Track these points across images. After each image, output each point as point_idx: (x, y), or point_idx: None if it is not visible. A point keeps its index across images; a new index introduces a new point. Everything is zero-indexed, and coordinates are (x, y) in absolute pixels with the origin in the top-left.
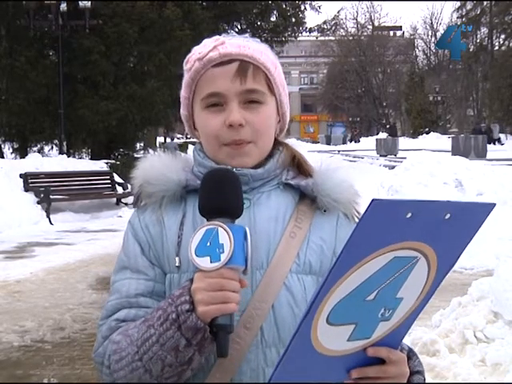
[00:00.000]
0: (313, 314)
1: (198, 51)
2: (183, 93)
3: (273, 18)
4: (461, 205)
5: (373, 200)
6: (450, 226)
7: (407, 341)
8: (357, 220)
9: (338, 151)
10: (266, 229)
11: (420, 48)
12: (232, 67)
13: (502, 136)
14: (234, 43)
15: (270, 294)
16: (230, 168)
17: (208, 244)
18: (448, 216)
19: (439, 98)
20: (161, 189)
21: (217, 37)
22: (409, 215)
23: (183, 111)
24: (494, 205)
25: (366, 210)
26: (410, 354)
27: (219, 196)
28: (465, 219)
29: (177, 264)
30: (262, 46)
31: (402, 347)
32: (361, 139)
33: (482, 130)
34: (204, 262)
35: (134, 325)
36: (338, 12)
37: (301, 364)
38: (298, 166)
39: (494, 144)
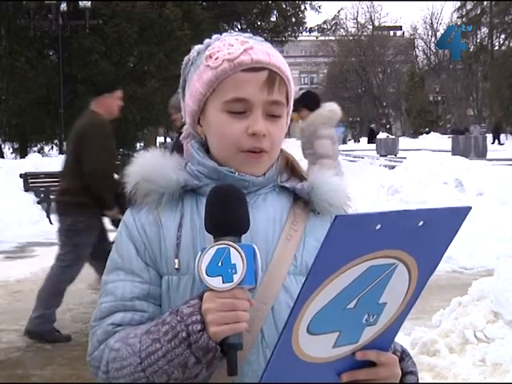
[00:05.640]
0: (291, 325)
1: (226, 50)
2: (200, 88)
3: (273, 18)
4: (433, 211)
5: (336, 216)
6: (424, 232)
7: (407, 341)
8: None
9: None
10: (265, 231)
11: (420, 48)
12: (262, 75)
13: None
14: (262, 50)
15: (270, 296)
16: (237, 176)
17: (219, 264)
18: (421, 223)
19: (439, 98)
20: (159, 187)
21: (241, 37)
22: (378, 227)
23: (192, 105)
24: (470, 208)
25: (331, 226)
26: (403, 355)
27: (228, 215)
28: (440, 224)
29: (176, 266)
30: (281, 56)
31: (395, 348)
32: (361, 139)
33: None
34: (216, 282)
35: (135, 333)
36: (338, 12)
37: (286, 373)
38: (291, 169)
39: None
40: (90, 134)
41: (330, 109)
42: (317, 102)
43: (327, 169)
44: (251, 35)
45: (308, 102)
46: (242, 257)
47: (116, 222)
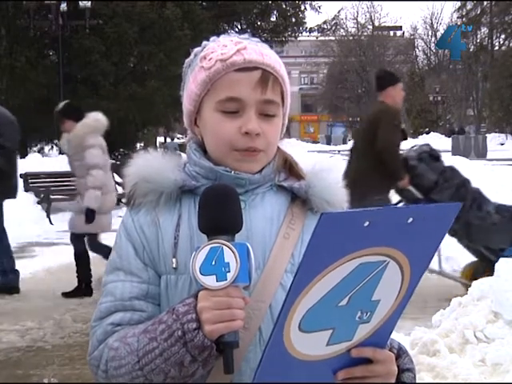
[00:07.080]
0: (282, 323)
1: (219, 51)
2: (195, 89)
3: (273, 18)
4: (422, 208)
5: (322, 214)
6: (415, 229)
7: (407, 341)
8: None
9: (338, 151)
10: (262, 230)
11: (420, 48)
12: (255, 75)
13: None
14: (256, 50)
15: (267, 294)
16: (233, 175)
17: (213, 263)
18: (411, 220)
19: (439, 98)
20: (158, 188)
21: (236, 38)
22: (366, 224)
23: (189, 106)
24: (460, 205)
25: (317, 224)
26: (400, 353)
27: (220, 214)
28: (430, 221)
29: (174, 266)
30: (277, 56)
31: (392, 346)
32: None
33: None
34: (210, 281)
35: (133, 333)
36: (338, 12)
37: (279, 370)
38: (289, 168)
39: None
40: (382, 119)
41: (96, 118)
42: (80, 113)
43: (97, 181)
44: (248, 36)
45: (71, 113)
46: (235, 255)
47: (402, 192)
